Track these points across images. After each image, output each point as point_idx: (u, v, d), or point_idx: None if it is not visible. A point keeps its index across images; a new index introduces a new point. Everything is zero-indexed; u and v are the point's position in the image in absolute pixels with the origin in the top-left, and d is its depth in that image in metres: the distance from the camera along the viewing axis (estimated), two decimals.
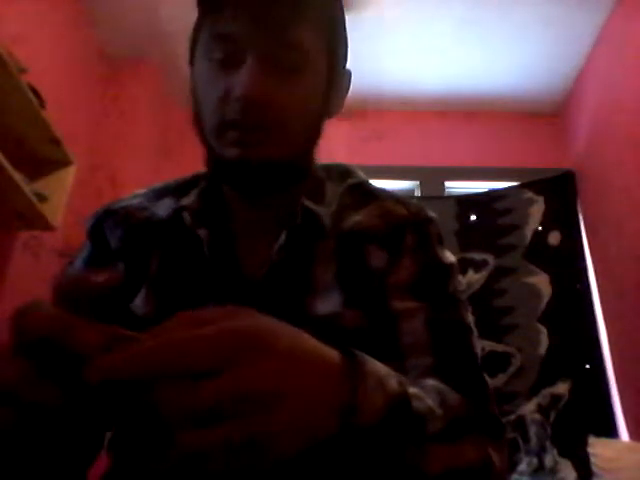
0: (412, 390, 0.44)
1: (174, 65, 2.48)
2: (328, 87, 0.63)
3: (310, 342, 0.37)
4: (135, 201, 0.71)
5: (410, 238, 0.64)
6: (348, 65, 0.71)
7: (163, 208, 0.68)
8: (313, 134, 0.64)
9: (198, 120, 0.61)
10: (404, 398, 0.42)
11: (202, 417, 0.29)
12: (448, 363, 0.56)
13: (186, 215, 0.64)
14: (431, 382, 0.52)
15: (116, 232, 0.67)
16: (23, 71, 1.69)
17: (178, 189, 0.70)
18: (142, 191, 0.73)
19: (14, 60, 1.62)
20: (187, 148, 2.24)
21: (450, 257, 0.65)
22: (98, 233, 0.69)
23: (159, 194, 0.71)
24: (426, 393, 0.47)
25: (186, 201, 0.66)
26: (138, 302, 0.63)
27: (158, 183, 0.74)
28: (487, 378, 0.59)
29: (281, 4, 0.56)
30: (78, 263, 0.69)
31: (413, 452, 0.41)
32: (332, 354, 0.37)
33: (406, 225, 0.65)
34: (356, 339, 0.57)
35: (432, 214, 0.68)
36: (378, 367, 0.41)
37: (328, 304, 0.59)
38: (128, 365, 0.30)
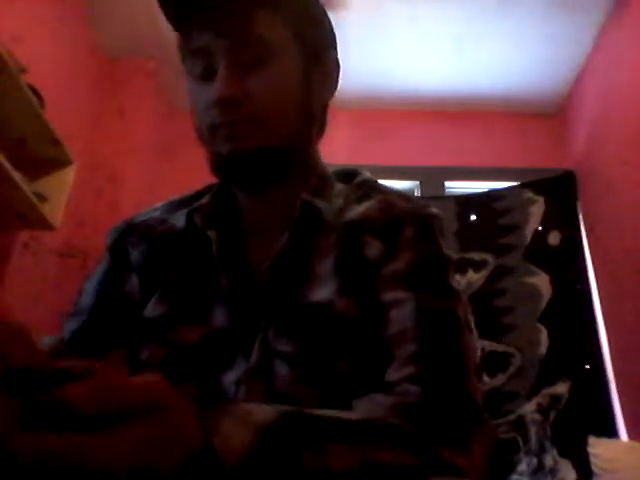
0: (302, 409, 0.44)
1: (174, 65, 2.48)
2: (306, 73, 0.66)
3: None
4: (155, 214, 0.74)
5: (409, 231, 0.64)
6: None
7: (180, 218, 0.71)
8: (300, 121, 0.65)
9: (196, 128, 0.65)
10: (283, 417, 0.41)
11: None
12: (430, 351, 0.56)
13: (197, 217, 0.67)
14: (364, 402, 0.53)
15: (140, 246, 0.70)
16: (23, 71, 1.69)
17: (194, 198, 0.73)
18: (160, 204, 0.76)
19: (14, 60, 1.62)
20: (187, 148, 2.24)
21: (450, 252, 0.66)
22: (120, 247, 0.71)
23: (177, 206, 0.74)
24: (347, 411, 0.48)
25: (198, 204, 0.69)
26: (149, 306, 0.65)
27: (176, 196, 0.77)
28: (472, 373, 0.57)
29: (238, 7, 0.60)
30: (96, 275, 0.71)
31: (312, 453, 0.41)
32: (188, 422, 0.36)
33: (406, 218, 0.65)
34: (347, 327, 0.59)
35: (436, 211, 0.69)
36: (239, 408, 0.41)
37: (323, 292, 0.60)
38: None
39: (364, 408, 0.52)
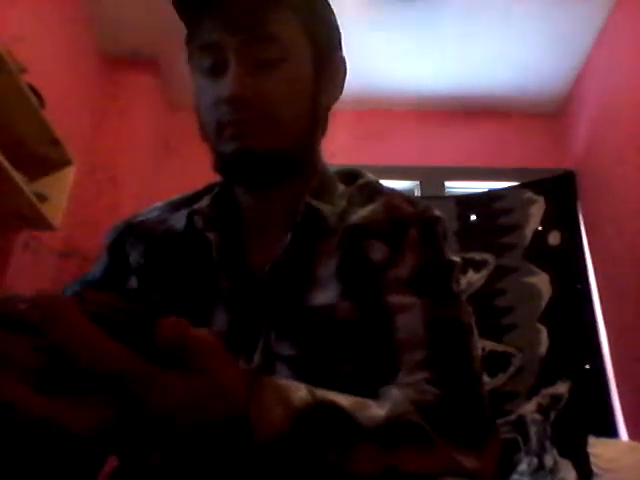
0: (333, 397, 0.44)
1: (174, 65, 2.48)
2: (316, 74, 0.65)
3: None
4: (153, 214, 0.73)
5: (414, 233, 0.64)
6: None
7: (180, 219, 0.70)
8: (308, 122, 0.65)
9: (201, 125, 0.64)
10: (317, 406, 0.41)
11: None
12: (441, 358, 0.56)
13: (197, 219, 0.67)
14: (393, 391, 0.53)
15: (138, 247, 0.70)
16: (23, 71, 1.69)
17: (193, 199, 0.73)
18: (159, 204, 0.76)
19: (14, 60, 1.61)
20: (187, 148, 2.24)
21: (454, 256, 0.66)
22: (118, 247, 0.71)
23: (176, 206, 0.74)
24: (374, 401, 0.48)
25: (198, 205, 0.69)
26: None
27: (175, 196, 0.77)
28: (481, 379, 0.58)
29: (252, 4, 0.59)
30: (96, 271, 0.70)
31: (336, 451, 0.41)
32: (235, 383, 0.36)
33: (410, 221, 0.65)
34: (349, 330, 0.59)
35: (439, 213, 0.69)
36: (281, 384, 0.41)
37: (325, 296, 0.60)
38: None
39: (392, 398, 0.52)
